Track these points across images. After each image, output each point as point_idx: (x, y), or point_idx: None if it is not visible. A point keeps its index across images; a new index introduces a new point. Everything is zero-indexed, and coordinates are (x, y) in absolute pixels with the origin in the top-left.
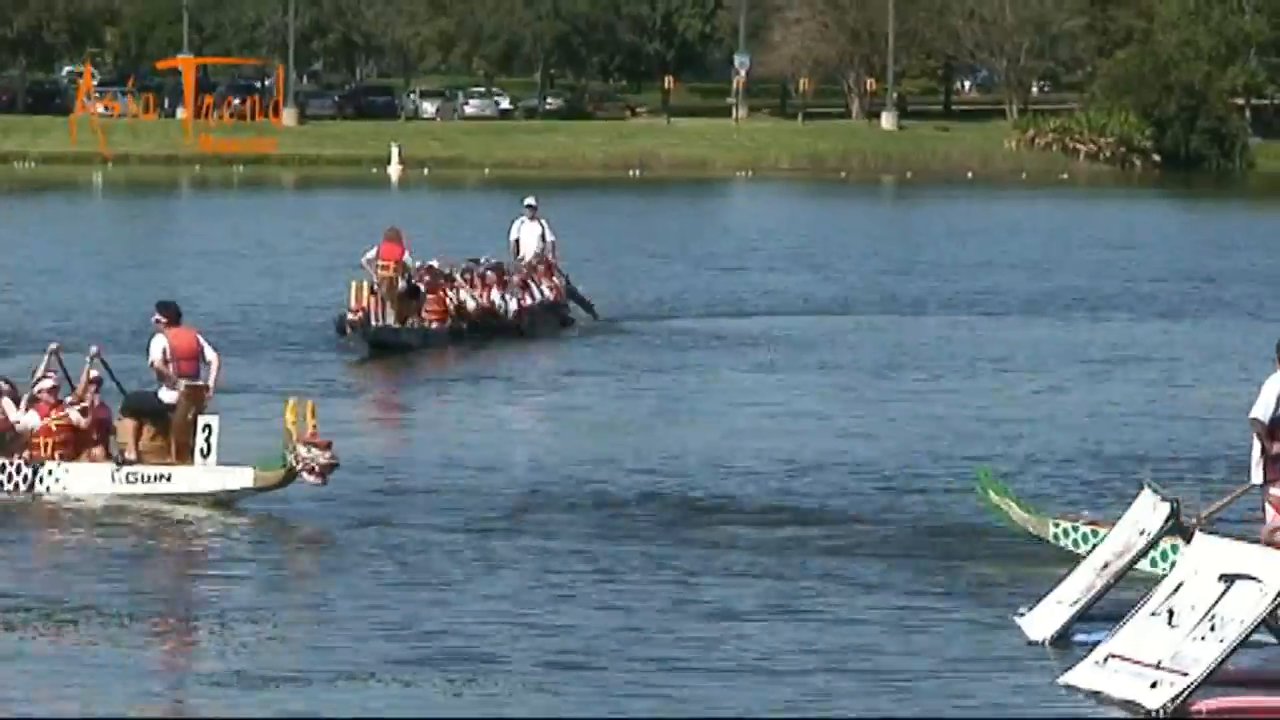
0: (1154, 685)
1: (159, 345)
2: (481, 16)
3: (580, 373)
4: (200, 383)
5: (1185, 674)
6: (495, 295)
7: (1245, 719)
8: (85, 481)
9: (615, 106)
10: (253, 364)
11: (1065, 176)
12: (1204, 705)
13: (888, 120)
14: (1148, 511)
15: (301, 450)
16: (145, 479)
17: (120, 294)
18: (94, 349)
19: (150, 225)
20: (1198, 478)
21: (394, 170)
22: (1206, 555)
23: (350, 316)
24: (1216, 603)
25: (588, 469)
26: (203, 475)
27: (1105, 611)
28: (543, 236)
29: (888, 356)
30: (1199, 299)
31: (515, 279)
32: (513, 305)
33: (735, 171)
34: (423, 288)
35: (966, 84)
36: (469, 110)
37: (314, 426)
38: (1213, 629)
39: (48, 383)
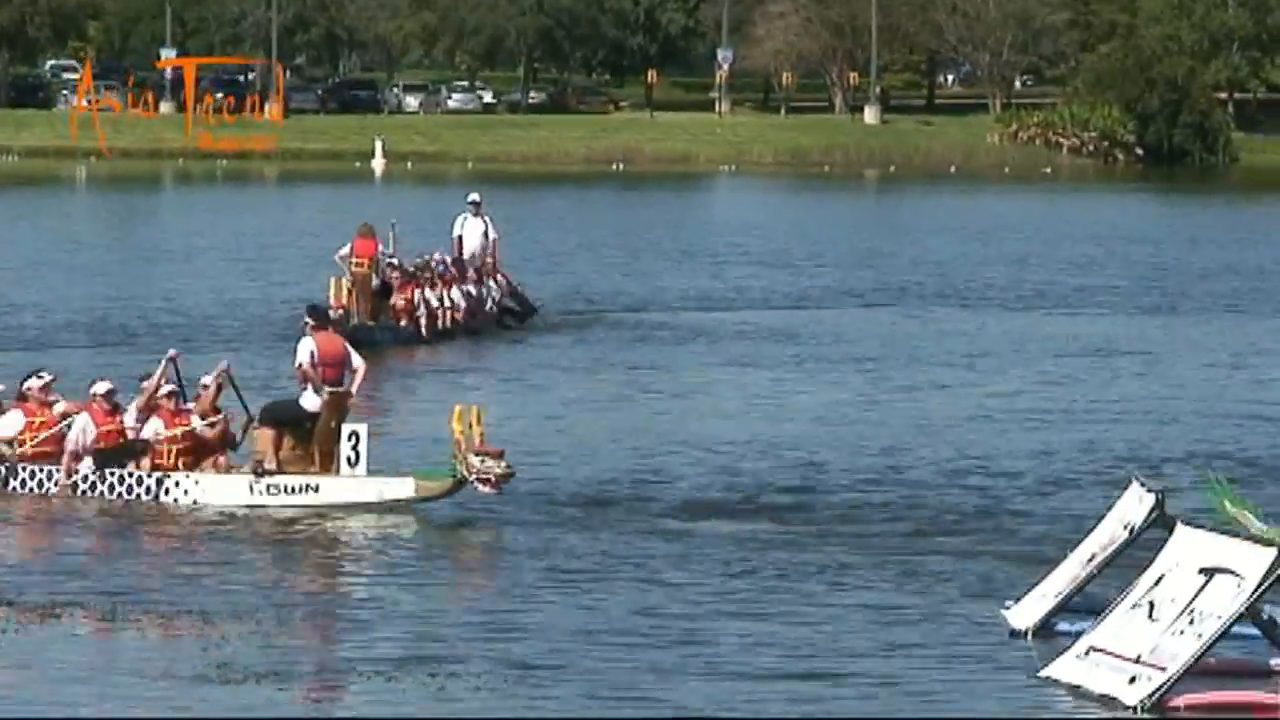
0: (1132, 680)
1: (307, 348)
2: (464, 11)
3: (553, 367)
4: (344, 389)
5: (1163, 669)
6: (455, 294)
7: (1223, 713)
8: (222, 493)
9: (598, 101)
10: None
11: (1048, 171)
12: (1182, 700)
13: (870, 114)
14: (1134, 504)
15: (474, 460)
16: (289, 490)
17: (100, 289)
18: (224, 364)
19: (133, 219)
20: (1184, 471)
21: (377, 164)
22: (1187, 548)
23: (330, 314)
24: (1196, 596)
25: (564, 462)
26: (355, 485)
27: (1094, 604)
28: (485, 234)
29: (870, 350)
30: (1181, 294)
31: (470, 277)
32: (466, 303)
33: (718, 166)
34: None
35: (949, 78)
36: (452, 104)
37: (482, 434)
38: (1191, 623)
39: (167, 389)
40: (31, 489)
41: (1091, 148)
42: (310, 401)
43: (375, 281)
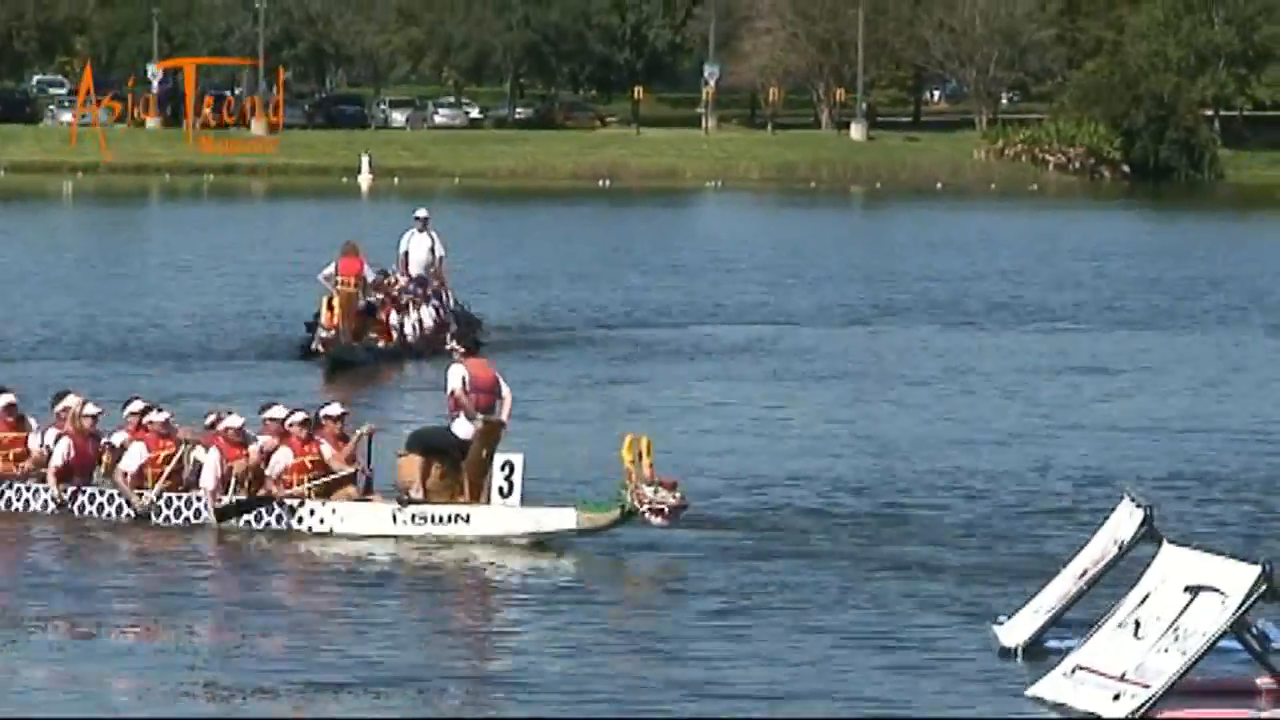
0: (1116, 698)
1: (459, 374)
2: (451, 26)
3: (532, 382)
4: (496, 418)
5: (1147, 686)
6: (426, 313)
7: None
8: (362, 522)
9: (585, 116)
10: (214, 373)
11: (1034, 187)
12: (1166, 717)
13: (857, 130)
14: (1124, 519)
15: (646, 490)
16: (436, 520)
17: (80, 303)
18: (368, 427)
19: (119, 234)
20: (1171, 487)
21: (364, 180)
22: (1173, 566)
23: (323, 334)
24: (1181, 614)
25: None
26: (511, 516)
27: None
28: (432, 249)
29: (854, 367)
30: (1166, 310)
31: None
32: (429, 322)
33: (705, 181)
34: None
35: (936, 94)
36: (438, 120)
37: (651, 464)
38: (1176, 640)
39: (299, 417)
40: (168, 517)
41: (1078, 164)
42: (463, 429)
43: (361, 301)
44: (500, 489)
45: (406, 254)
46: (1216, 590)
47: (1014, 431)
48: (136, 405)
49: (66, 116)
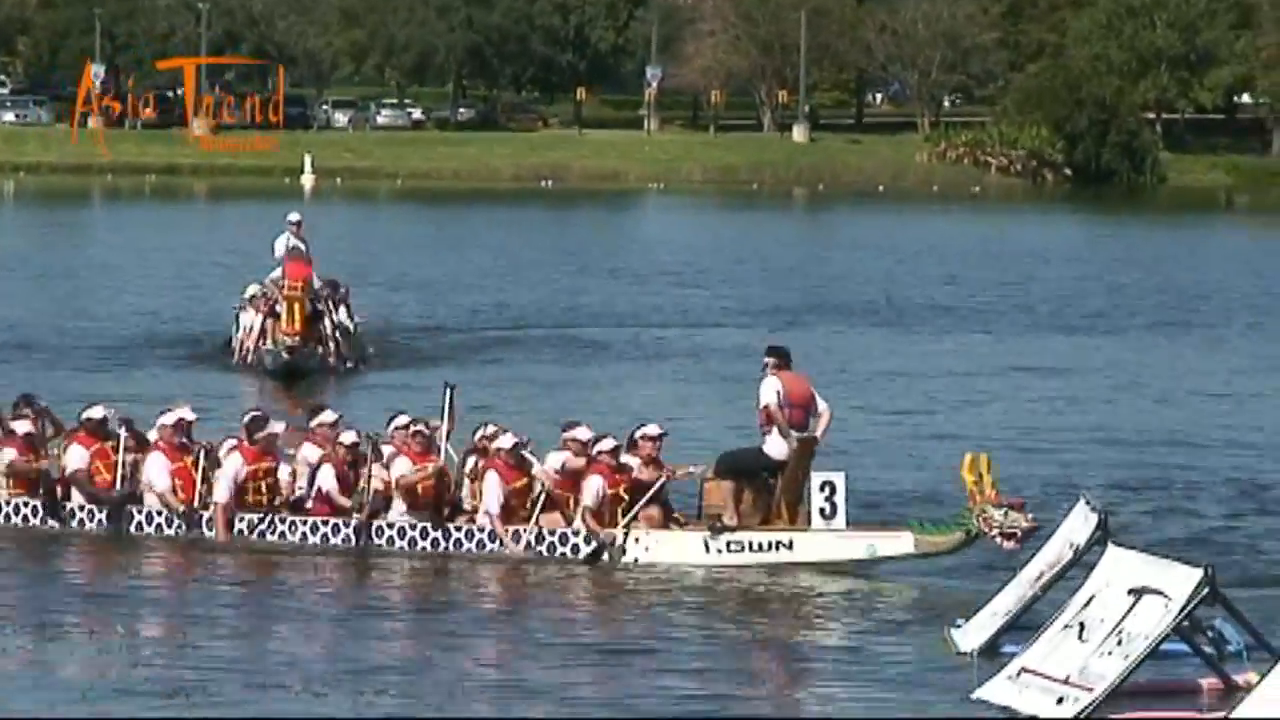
0: (1060, 701)
1: (772, 388)
2: (394, 27)
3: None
4: (810, 434)
5: (1090, 689)
6: (342, 316)
7: None
8: (672, 551)
9: (527, 118)
10: (154, 374)
11: (976, 190)
12: (1110, 718)
13: (799, 133)
14: (1080, 524)
15: (995, 513)
16: (755, 547)
17: (13, 305)
18: (700, 468)
19: (60, 235)
20: (1119, 493)
21: (307, 180)
22: (1117, 568)
23: (288, 341)
24: (1125, 617)
25: None
26: (838, 540)
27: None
28: (306, 255)
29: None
30: (1102, 314)
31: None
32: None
33: (647, 183)
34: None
35: (878, 97)
36: (381, 121)
37: (993, 484)
38: (1120, 644)
39: (609, 442)
40: (382, 544)
41: (1020, 167)
42: (776, 449)
43: (308, 306)
44: (821, 510)
45: (284, 259)
46: (1160, 593)
47: (948, 435)
48: (401, 419)
49: (9, 116)
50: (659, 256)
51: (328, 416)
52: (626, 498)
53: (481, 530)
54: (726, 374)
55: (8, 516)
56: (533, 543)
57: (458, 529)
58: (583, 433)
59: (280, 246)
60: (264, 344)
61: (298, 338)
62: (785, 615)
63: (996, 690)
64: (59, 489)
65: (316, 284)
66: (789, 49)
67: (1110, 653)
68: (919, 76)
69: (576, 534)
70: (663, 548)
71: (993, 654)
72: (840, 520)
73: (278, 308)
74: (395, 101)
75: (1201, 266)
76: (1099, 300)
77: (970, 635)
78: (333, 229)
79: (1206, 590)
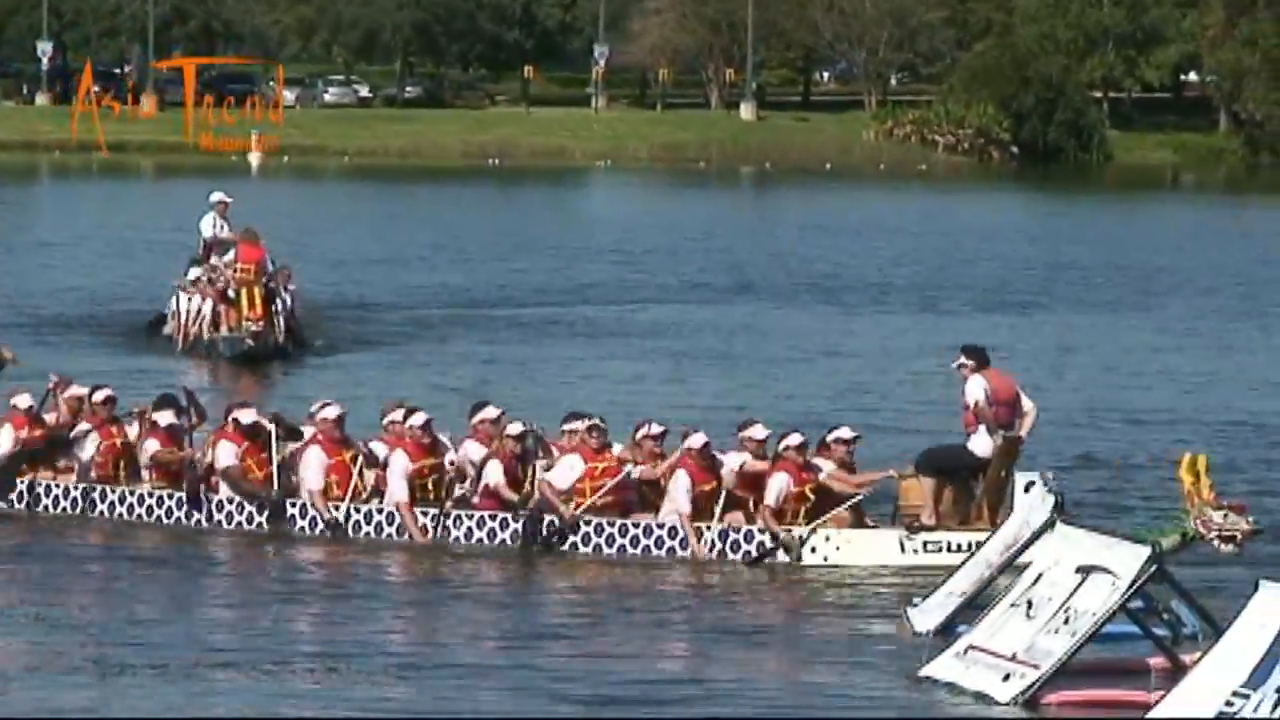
0: (1006, 678)
1: (980, 386)
2: (341, 4)
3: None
4: (1016, 434)
5: (1036, 667)
6: (287, 297)
7: (1093, 711)
8: (865, 551)
9: (475, 95)
10: (108, 354)
11: (923, 168)
12: (1054, 697)
13: (746, 111)
14: (1037, 504)
15: (1215, 515)
16: (954, 548)
17: None
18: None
19: (3, 212)
20: (1067, 472)
21: (254, 158)
22: (1066, 546)
23: (252, 326)
24: (1072, 595)
25: None
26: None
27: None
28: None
29: (733, 347)
30: (1048, 291)
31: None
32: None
33: (594, 161)
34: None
35: (825, 75)
36: (328, 98)
37: (1212, 485)
38: (1066, 621)
39: (796, 438)
40: (539, 539)
41: (967, 145)
42: (981, 446)
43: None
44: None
45: (208, 240)
46: (1107, 571)
47: (895, 412)
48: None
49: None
50: (603, 234)
51: (490, 412)
52: (812, 498)
53: (662, 528)
54: (674, 350)
55: (150, 509)
56: (716, 541)
57: (644, 529)
58: (759, 431)
59: (206, 227)
60: (220, 331)
61: (261, 322)
62: (747, 602)
63: (943, 667)
64: (203, 483)
65: (270, 267)
66: (736, 27)
67: (1057, 630)
68: (866, 55)
69: (762, 532)
70: (855, 548)
71: (948, 634)
72: None
73: (229, 292)
74: (342, 79)
75: (1148, 244)
76: (1044, 277)
77: (926, 615)
78: (282, 207)
79: (1154, 568)
